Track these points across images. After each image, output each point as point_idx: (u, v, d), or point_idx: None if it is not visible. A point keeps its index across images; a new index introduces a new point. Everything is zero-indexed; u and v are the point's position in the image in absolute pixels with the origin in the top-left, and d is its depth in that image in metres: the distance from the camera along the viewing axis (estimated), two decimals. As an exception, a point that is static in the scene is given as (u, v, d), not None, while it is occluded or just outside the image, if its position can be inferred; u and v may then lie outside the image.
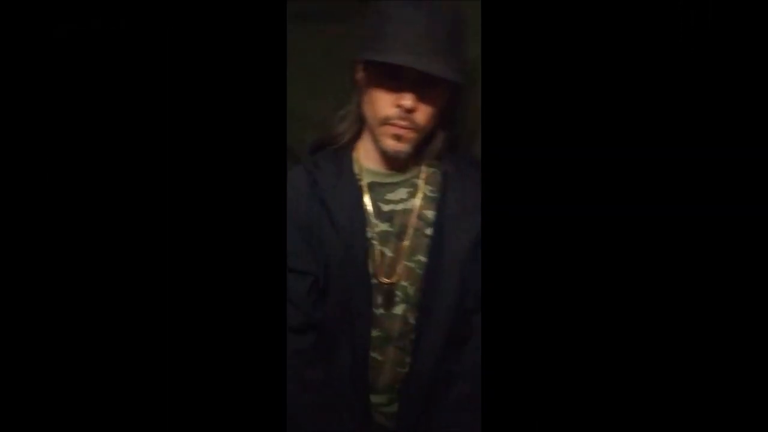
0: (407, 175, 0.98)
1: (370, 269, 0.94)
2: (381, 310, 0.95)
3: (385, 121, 0.90)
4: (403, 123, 0.89)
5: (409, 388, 0.95)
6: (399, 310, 0.94)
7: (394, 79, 0.87)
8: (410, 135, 0.91)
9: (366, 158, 0.98)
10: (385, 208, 0.96)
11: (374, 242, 0.94)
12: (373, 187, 0.97)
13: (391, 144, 0.92)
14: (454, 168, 0.98)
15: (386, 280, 0.94)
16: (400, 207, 0.96)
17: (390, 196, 0.97)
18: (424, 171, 0.98)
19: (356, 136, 0.99)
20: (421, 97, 0.88)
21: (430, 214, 0.96)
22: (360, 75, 0.91)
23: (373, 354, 0.95)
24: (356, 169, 0.98)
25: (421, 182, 0.98)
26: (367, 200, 0.96)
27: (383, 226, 0.95)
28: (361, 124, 0.98)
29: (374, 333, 0.94)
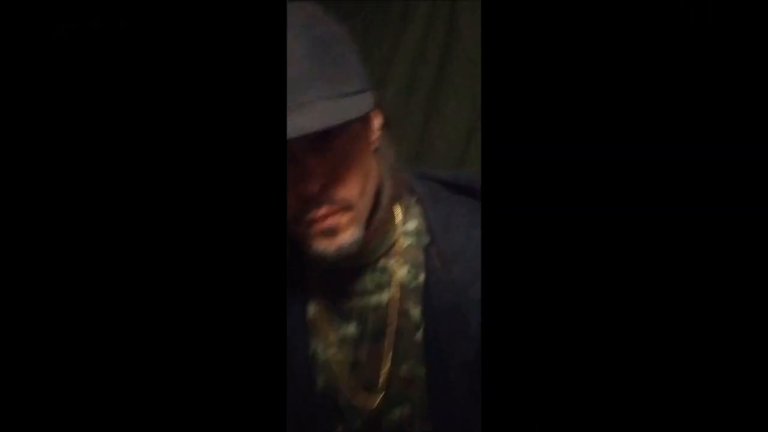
0: (372, 256, 0.72)
1: (342, 389, 0.72)
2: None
3: (297, 222, 0.66)
4: (322, 211, 0.65)
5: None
6: (396, 414, 0.72)
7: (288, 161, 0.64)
8: (344, 219, 0.66)
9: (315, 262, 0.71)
10: (347, 304, 0.72)
11: (336, 353, 0.72)
12: (325, 280, 0.73)
13: (324, 245, 0.66)
14: (439, 226, 0.72)
15: (364, 403, 0.71)
16: (369, 301, 0.72)
17: (352, 287, 0.72)
18: (398, 243, 0.72)
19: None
20: (330, 165, 0.65)
21: (410, 310, 0.71)
22: None
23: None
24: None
25: (392, 263, 0.72)
26: (312, 303, 0.72)
27: (348, 329, 0.72)
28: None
29: None
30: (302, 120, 0.61)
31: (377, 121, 0.71)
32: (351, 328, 0.71)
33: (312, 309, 0.72)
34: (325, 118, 0.61)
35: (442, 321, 0.69)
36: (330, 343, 0.71)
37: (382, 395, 0.70)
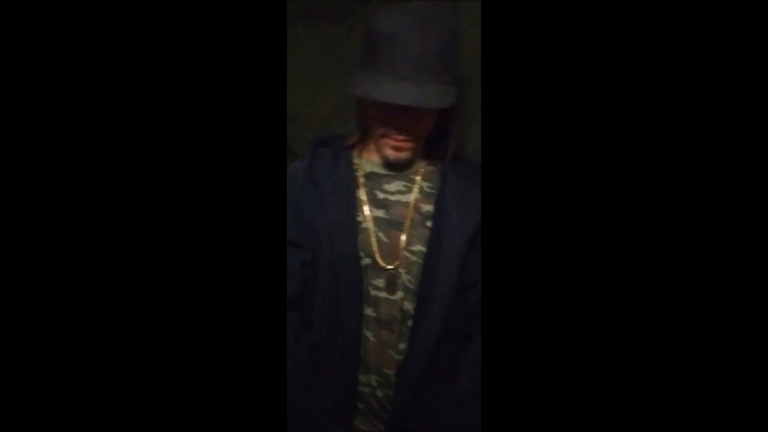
0: (405, 172, 1.04)
1: (363, 252, 0.98)
2: (382, 294, 0.98)
3: (385, 134, 0.98)
4: (401, 137, 0.97)
5: (403, 377, 0.97)
6: (398, 296, 0.97)
7: (390, 106, 0.92)
8: (409, 145, 0.99)
9: (367, 155, 1.05)
10: (381, 196, 1.02)
11: (368, 226, 0.99)
12: (369, 177, 1.03)
13: (391, 153, 1.00)
14: (451, 167, 1.03)
15: (388, 266, 0.98)
16: (395, 198, 1.02)
17: (386, 187, 1.02)
18: (422, 168, 1.04)
19: (359, 142, 1.05)
20: (417, 115, 0.95)
21: (427, 207, 1.01)
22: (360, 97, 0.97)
23: (366, 333, 0.97)
24: (355, 161, 1.05)
25: (418, 178, 1.03)
26: (361, 188, 1.02)
27: (378, 213, 1.00)
28: (363, 132, 1.04)
29: (368, 312, 0.98)
30: (424, 94, 0.91)
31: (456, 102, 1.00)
32: (380, 213, 1.00)
33: (361, 192, 1.02)
34: (437, 101, 0.92)
35: (446, 219, 0.99)
36: (367, 218, 1.00)
37: (397, 263, 0.97)
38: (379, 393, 0.98)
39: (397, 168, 1.02)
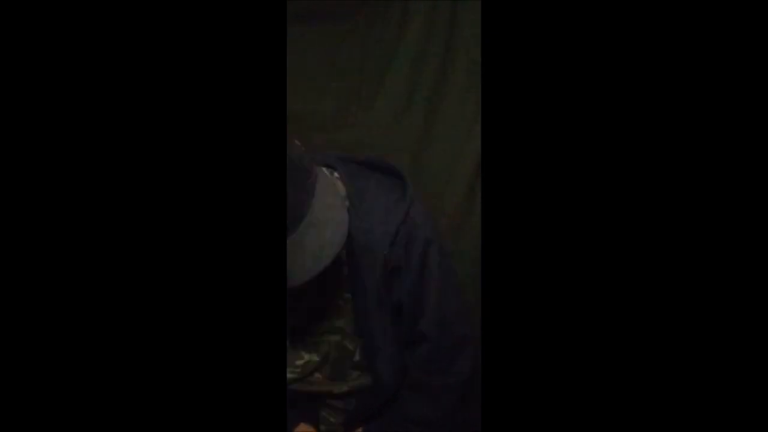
0: None
1: None
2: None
3: None
4: None
5: (365, 396, 1.03)
6: (330, 338, 1.02)
7: None
8: None
9: None
10: None
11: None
12: None
13: None
14: (357, 195, 0.99)
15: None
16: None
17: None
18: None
19: None
20: None
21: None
22: None
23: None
24: None
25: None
26: None
27: None
28: None
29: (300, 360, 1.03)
30: None
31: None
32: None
33: None
34: None
35: (360, 258, 0.96)
36: None
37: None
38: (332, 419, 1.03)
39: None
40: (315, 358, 1.02)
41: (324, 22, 1.20)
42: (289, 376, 1.01)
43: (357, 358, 1.02)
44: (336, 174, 1.01)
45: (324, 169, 0.98)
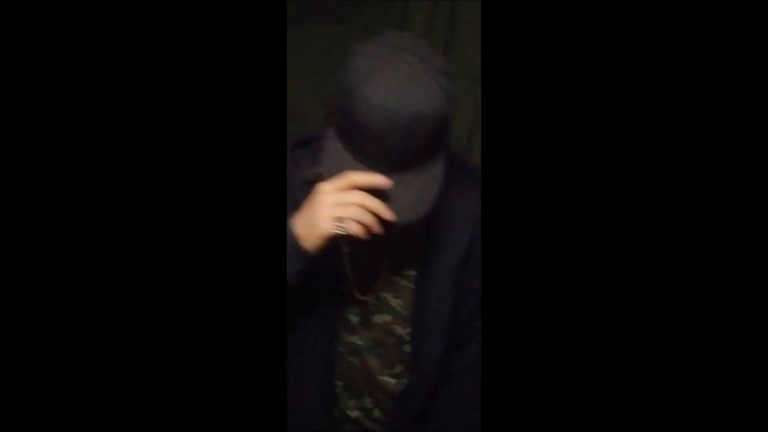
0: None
1: (339, 275, 0.90)
2: (356, 318, 0.93)
3: None
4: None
5: (406, 401, 0.94)
6: (378, 319, 0.93)
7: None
8: None
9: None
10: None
11: (343, 246, 0.90)
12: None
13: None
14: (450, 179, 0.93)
15: (361, 297, 0.91)
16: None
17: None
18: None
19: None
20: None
21: (399, 329, 0.93)
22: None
23: (351, 359, 0.94)
24: None
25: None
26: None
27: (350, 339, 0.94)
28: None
29: (349, 339, 0.93)
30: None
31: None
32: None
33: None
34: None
35: (437, 237, 0.90)
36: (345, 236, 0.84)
37: (372, 296, 0.90)
38: (377, 413, 0.96)
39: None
40: (358, 341, 0.94)
41: (324, 22, 1.21)
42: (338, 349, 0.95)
43: (407, 348, 0.94)
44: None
45: None
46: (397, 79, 0.73)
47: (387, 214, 0.75)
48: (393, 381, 0.94)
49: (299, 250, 0.78)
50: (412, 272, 0.91)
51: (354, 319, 0.92)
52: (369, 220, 0.75)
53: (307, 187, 0.84)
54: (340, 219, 0.75)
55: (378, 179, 0.75)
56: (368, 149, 0.75)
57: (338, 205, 0.75)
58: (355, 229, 0.75)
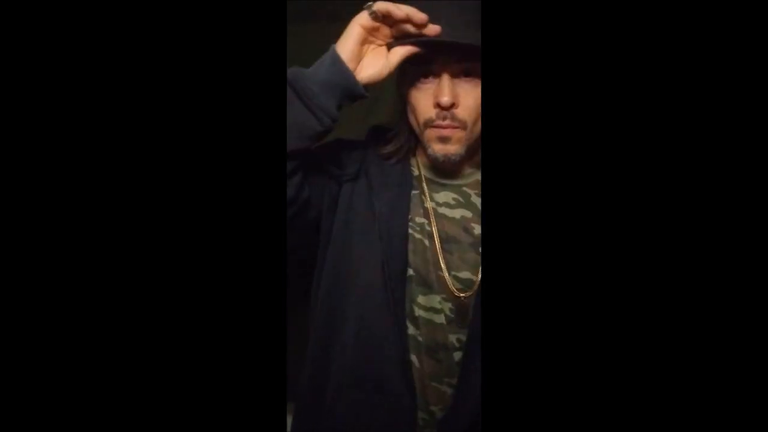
0: (459, 181, 0.93)
1: (410, 259, 0.88)
2: (420, 311, 0.89)
3: (428, 124, 0.87)
4: (445, 123, 0.86)
5: (453, 417, 0.86)
6: (439, 319, 0.89)
7: (430, 75, 0.85)
8: (457, 135, 0.87)
9: (421, 156, 0.95)
10: (427, 204, 0.91)
11: (414, 234, 0.89)
12: (421, 179, 0.93)
13: (438, 148, 0.87)
14: None
15: (460, 295, 0.87)
16: (441, 210, 0.91)
17: (435, 196, 0.92)
18: (478, 180, 0.92)
19: (410, 152, 0.96)
20: (460, 91, 0.85)
21: (477, 229, 0.90)
22: (401, 82, 0.89)
23: (411, 356, 0.88)
24: (411, 160, 0.95)
25: (473, 192, 0.92)
26: (412, 190, 0.92)
27: (423, 222, 0.91)
28: (413, 141, 0.94)
29: (412, 331, 0.89)
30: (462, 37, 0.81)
31: None
32: (426, 224, 0.90)
33: (411, 193, 0.92)
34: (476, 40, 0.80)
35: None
36: (414, 225, 0.90)
37: (442, 296, 0.88)
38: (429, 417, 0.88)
39: (449, 172, 0.91)
40: (411, 331, 0.88)
41: (324, 22, 1.20)
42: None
43: (457, 357, 0.88)
44: None
45: None
46: None
47: (419, 16, 0.80)
48: (447, 391, 0.88)
49: (341, 70, 0.82)
50: (471, 276, 0.88)
51: (418, 311, 0.88)
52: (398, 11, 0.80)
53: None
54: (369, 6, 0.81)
55: (415, 13, 0.80)
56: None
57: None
58: (384, 8, 0.80)
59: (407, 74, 0.88)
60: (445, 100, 0.84)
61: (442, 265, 0.88)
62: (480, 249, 0.88)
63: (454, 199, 0.92)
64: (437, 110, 0.85)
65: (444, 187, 0.92)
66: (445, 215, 0.91)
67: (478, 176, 0.93)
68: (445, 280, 0.88)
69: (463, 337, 0.87)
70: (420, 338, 0.88)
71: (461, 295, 0.87)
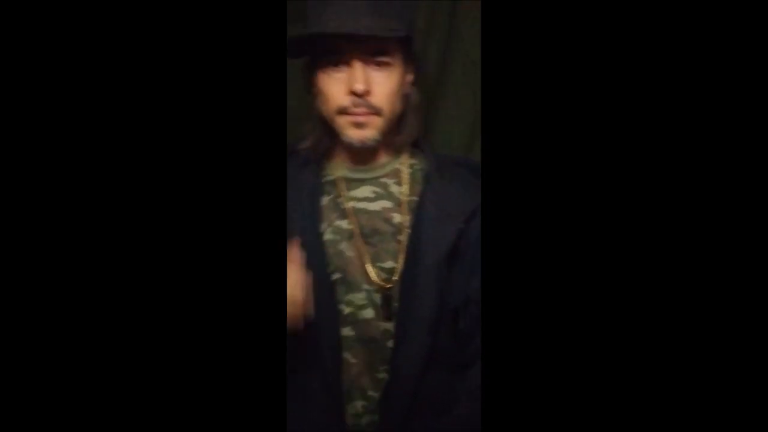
0: (377, 172, 0.94)
1: (330, 266, 0.90)
2: (349, 309, 0.91)
3: (342, 111, 0.87)
4: (360, 110, 0.86)
5: (389, 403, 0.89)
6: (368, 314, 0.91)
7: (340, 63, 0.85)
8: (372, 120, 0.87)
9: (339, 158, 0.94)
10: (346, 204, 0.92)
11: (328, 239, 0.90)
12: (336, 183, 0.93)
13: (353, 133, 0.87)
14: (435, 168, 0.94)
15: (383, 284, 0.89)
16: (361, 205, 0.92)
17: (353, 193, 0.93)
18: (399, 169, 0.94)
19: (329, 145, 0.94)
20: (374, 78, 0.86)
21: (398, 217, 0.92)
22: (311, 73, 0.89)
23: (345, 355, 0.90)
24: (324, 167, 0.95)
25: (391, 182, 0.94)
26: (326, 196, 0.92)
27: (342, 223, 0.91)
28: (329, 138, 0.93)
29: (345, 332, 0.90)
30: (372, 26, 0.82)
31: (410, 76, 0.92)
32: (344, 223, 0.91)
33: (324, 200, 0.92)
34: (384, 30, 0.82)
35: (426, 230, 0.89)
36: (331, 229, 0.91)
37: (390, 284, 0.89)
38: (365, 419, 0.90)
39: (366, 164, 0.92)
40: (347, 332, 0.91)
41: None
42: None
43: (389, 344, 0.90)
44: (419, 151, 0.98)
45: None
46: None
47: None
48: (384, 377, 0.90)
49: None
50: (393, 264, 0.90)
51: (348, 310, 0.90)
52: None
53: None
54: None
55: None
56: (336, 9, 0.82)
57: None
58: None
59: (317, 64, 0.88)
60: (359, 86, 0.84)
61: (367, 259, 0.90)
62: (398, 237, 0.91)
63: (373, 192, 0.93)
64: (351, 97, 0.85)
65: (362, 182, 0.93)
66: (366, 209, 0.92)
67: (395, 165, 0.94)
68: (369, 273, 0.90)
69: (390, 327, 0.90)
70: (352, 335, 0.90)
71: (387, 285, 0.89)
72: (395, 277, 0.90)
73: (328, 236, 0.90)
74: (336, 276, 0.90)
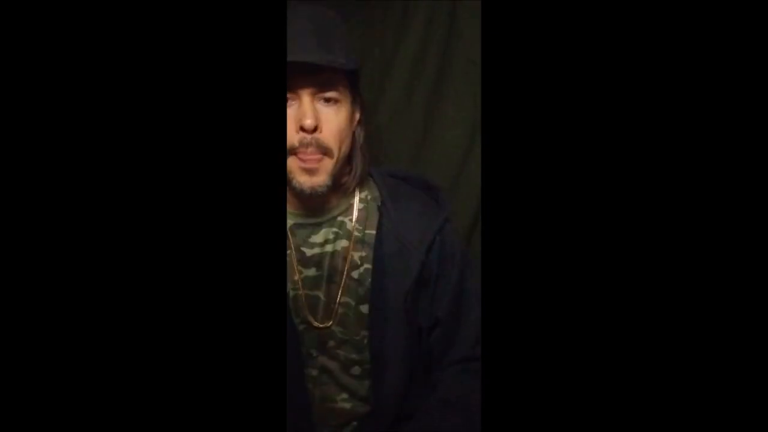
0: (332, 213, 0.93)
1: (302, 315, 0.92)
2: (315, 352, 0.94)
3: (291, 152, 0.85)
4: (309, 151, 0.84)
5: (368, 426, 0.94)
6: (341, 352, 0.93)
7: (289, 98, 0.84)
8: (323, 165, 0.85)
9: (289, 206, 0.93)
10: (309, 252, 0.92)
11: (300, 289, 0.91)
12: (293, 232, 0.92)
13: (304, 179, 0.86)
14: (387, 196, 0.94)
15: (319, 325, 0.92)
16: (325, 249, 0.92)
17: (313, 239, 0.92)
18: (353, 206, 0.94)
19: None
20: (323, 114, 0.85)
21: (357, 256, 0.92)
22: None
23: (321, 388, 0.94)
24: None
25: (347, 220, 0.93)
26: (289, 246, 0.91)
27: (309, 272, 0.92)
28: None
29: (312, 373, 0.94)
30: (319, 55, 0.81)
31: (357, 114, 0.92)
32: (311, 271, 0.91)
33: (288, 254, 0.91)
34: (331, 60, 0.82)
35: (388, 264, 0.90)
36: (296, 283, 0.91)
37: (330, 322, 0.91)
38: None
39: (319, 204, 0.91)
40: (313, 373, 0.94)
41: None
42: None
43: (357, 371, 0.94)
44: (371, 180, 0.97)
45: None
46: None
47: None
48: (346, 406, 0.95)
49: None
50: (351, 301, 0.92)
51: (315, 353, 0.93)
52: None
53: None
54: None
55: None
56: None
57: None
58: None
59: None
60: (308, 122, 0.82)
61: (337, 297, 0.91)
62: (354, 273, 0.92)
63: (333, 233, 0.92)
64: (300, 135, 0.84)
65: (320, 225, 0.92)
66: (329, 251, 0.92)
67: (350, 200, 0.94)
68: (333, 310, 0.91)
69: (360, 358, 0.93)
70: (317, 374, 0.93)
71: (329, 324, 0.91)
72: (353, 315, 0.92)
73: (296, 289, 0.91)
74: (301, 327, 0.92)
